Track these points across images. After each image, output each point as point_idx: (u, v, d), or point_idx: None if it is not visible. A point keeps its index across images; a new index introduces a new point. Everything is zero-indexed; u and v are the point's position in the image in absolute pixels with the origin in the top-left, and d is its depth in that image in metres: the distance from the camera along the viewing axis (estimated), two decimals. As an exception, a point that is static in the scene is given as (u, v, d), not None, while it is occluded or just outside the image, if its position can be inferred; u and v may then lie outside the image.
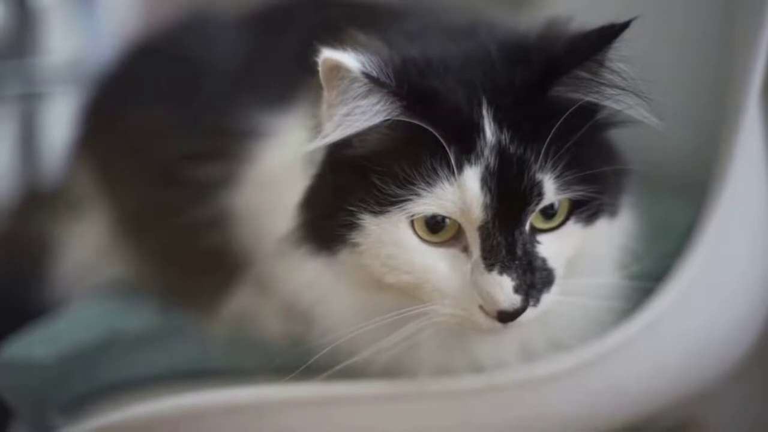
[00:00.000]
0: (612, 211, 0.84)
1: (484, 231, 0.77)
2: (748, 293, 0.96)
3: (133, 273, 1.14)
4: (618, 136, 0.89)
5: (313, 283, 0.89)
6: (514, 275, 0.77)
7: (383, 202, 0.78)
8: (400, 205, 0.78)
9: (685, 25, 1.14)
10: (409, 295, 0.81)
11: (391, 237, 0.79)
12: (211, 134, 1.01)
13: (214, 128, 1.01)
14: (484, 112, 0.78)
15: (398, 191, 0.78)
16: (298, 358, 0.96)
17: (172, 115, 1.09)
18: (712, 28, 1.10)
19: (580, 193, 0.78)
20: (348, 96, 0.76)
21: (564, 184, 0.78)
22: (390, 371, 0.89)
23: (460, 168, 0.76)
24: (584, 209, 0.80)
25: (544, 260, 0.79)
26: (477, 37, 0.86)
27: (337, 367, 0.85)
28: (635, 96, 0.78)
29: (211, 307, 1.02)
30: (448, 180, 0.77)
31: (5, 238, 1.33)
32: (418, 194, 0.77)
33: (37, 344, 1.03)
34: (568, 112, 0.77)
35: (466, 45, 0.85)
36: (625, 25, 0.77)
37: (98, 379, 1.03)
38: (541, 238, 0.79)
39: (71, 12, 1.78)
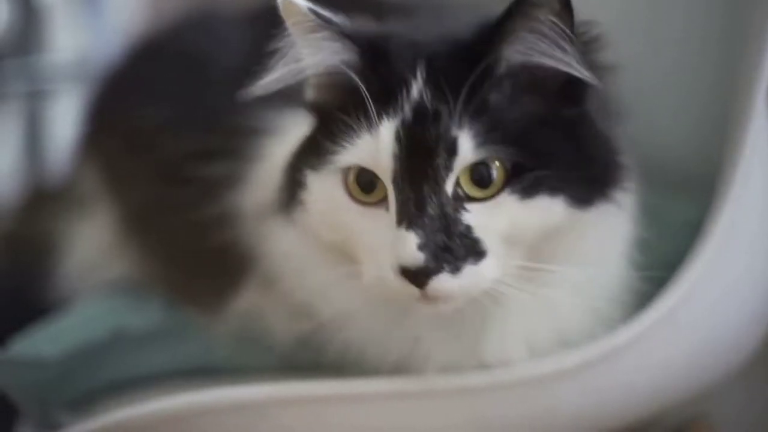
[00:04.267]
0: (572, 195, 0.80)
1: (397, 184, 0.79)
2: (755, 290, 0.95)
3: (138, 271, 1.14)
4: (621, 133, 0.89)
5: (289, 251, 0.92)
6: (421, 232, 0.77)
7: (321, 158, 0.83)
8: (331, 158, 0.82)
9: (687, 22, 1.14)
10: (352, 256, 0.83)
11: (325, 193, 0.83)
12: (216, 132, 1.01)
13: (220, 126, 1.01)
14: (418, 69, 0.80)
15: (331, 146, 0.82)
16: (304, 356, 0.96)
17: (177, 113, 1.09)
18: (715, 25, 1.10)
19: (501, 154, 0.78)
20: (297, 31, 0.82)
21: (483, 143, 0.78)
22: (397, 368, 0.90)
23: (380, 120, 0.79)
24: (520, 180, 0.79)
25: (468, 228, 0.79)
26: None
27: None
28: (570, 55, 0.78)
29: (217, 306, 1.01)
30: (369, 132, 0.80)
31: (10, 236, 1.32)
32: (344, 147, 0.81)
33: (43, 342, 1.03)
34: (480, 68, 0.78)
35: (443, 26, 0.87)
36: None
37: (103, 376, 1.03)
38: (470, 206, 0.79)
39: (76, 10, 1.78)
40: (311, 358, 0.95)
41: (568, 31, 0.77)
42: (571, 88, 0.81)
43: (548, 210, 0.79)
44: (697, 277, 0.89)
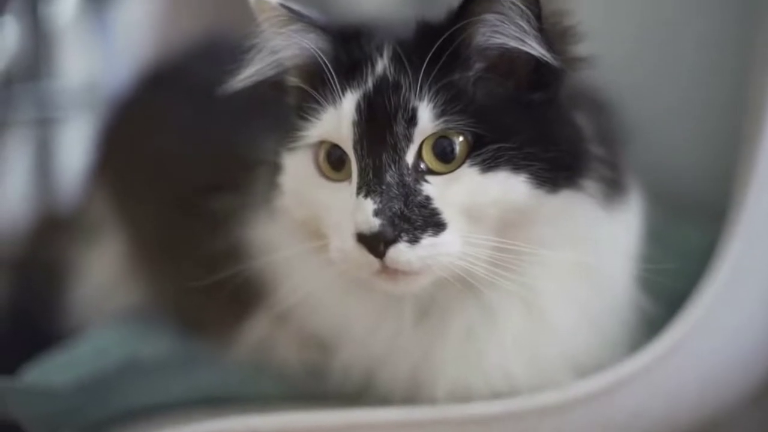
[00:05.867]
0: (536, 175, 0.80)
1: (357, 152, 0.81)
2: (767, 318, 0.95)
3: (149, 300, 1.14)
4: (629, 150, 0.91)
5: (269, 238, 0.95)
6: (378, 199, 0.78)
7: (294, 138, 0.86)
8: (301, 135, 0.85)
9: (699, 49, 1.14)
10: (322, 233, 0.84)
11: (298, 171, 0.86)
12: (226, 164, 1.01)
13: (229, 157, 1.00)
14: (385, 49, 0.84)
15: (301, 123, 0.85)
16: (315, 385, 0.96)
17: (187, 143, 1.10)
18: (727, 52, 1.10)
19: (461, 126, 0.79)
20: (270, 26, 0.85)
21: (442, 114, 0.80)
22: (407, 394, 0.90)
23: (344, 93, 0.82)
24: (481, 153, 0.80)
25: (428, 198, 0.80)
26: None
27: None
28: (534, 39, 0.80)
29: (229, 336, 1.01)
30: (334, 106, 0.83)
31: (22, 263, 1.33)
32: (312, 122, 0.84)
33: (55, 370, 1.02)
34: (438, 43, 0.80)
35: None
36: None
37: (115, 405, 1.02)
38: (431, 178, 0.81)
39: (86, 36, 1.78)
40: (322, 386, 0.95)
41: (528, 12, 0.79)
42: (540, 74, 0.82)
43: (509, 186, 0.80)
44: (708, 304, 0.89)
